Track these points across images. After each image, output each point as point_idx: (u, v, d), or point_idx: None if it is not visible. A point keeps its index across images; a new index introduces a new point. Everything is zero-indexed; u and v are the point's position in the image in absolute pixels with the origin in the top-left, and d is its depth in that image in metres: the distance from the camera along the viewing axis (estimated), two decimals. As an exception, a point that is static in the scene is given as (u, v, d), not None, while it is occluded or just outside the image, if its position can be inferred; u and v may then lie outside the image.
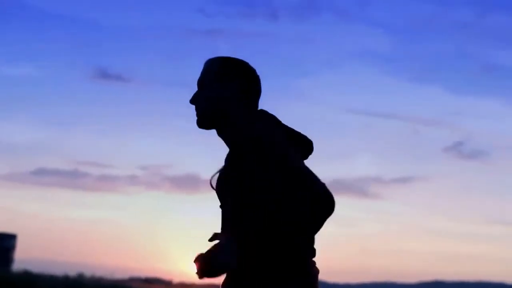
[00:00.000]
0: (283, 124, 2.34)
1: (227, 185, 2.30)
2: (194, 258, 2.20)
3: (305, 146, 2.34)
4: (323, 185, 2.17)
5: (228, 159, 2.36)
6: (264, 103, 2.47)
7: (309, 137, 2.36)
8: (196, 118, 2.42)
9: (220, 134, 2.41)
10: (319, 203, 2.14)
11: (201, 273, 2.19)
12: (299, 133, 2.35)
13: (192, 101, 2.43)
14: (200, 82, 2.43)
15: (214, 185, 2.40)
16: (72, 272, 22.40)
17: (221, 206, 2.37)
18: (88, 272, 22.78)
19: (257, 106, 2.42)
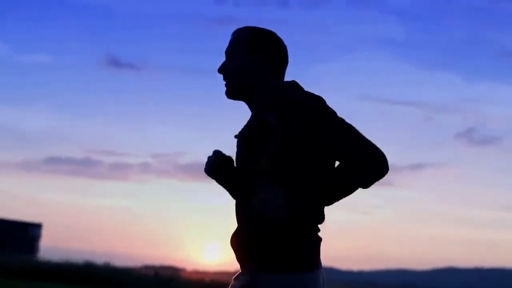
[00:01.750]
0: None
1: (252, 137, 2.27)
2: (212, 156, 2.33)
3: None
4: (379, 149, 2.21)
5: (254, 117, 2.33)
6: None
7: None
8: (224, 88, 2.38)
9: (250, 104, 2.38)
10: (377, 164, 2.19)
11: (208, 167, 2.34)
12: None
13: (220, 70, 2.38)
14: (229, 52, 2.39)
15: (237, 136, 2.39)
16: (86, 259, 22.32)
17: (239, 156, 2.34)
18: (99, 260, 22.57)
19: (283, 76, 2.39)
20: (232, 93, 2.37)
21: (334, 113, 2.23)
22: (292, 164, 2.19)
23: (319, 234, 2.27)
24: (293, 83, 2.33)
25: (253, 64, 2.33)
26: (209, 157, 2.35)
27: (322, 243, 2.26)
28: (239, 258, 2.30)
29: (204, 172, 2.37)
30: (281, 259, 2.18)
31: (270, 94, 2.30)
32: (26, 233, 32.94)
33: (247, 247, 2.24)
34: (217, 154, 2.33)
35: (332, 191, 2.23)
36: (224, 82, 2.38)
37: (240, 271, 2.31)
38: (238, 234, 2.29)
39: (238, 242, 2.29)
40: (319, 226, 2.28)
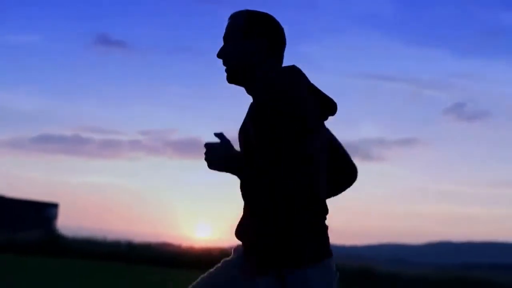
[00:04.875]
0: (310, 83, 2.27)
1: (248, 133, 2.23)
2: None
3: (328, 106, 2.29)
4: (347, 156, 2.31)
5: (250, 109, 2.28)
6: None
7: None
8: (225, 73, 2.32)
9: (249, 90, 2.31)
10: (343, 173, 2.31)
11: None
12: (324, 94, 2.28)
13: (219, 55, 2.33)
14: (226, 37, 2.33)
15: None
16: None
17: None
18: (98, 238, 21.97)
19: (282, 58, 2.33)
20: (232, 78, 2.31)
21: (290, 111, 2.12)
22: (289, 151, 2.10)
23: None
24: (290, 69, 2.25)
25: (250, 48, 2.28)
26: (211, 147, 2.19)
27: None
28: (250, 251, 2.25)
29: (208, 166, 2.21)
30: (304, 253, 2.14)
31: (264, 80, 2.22)
32: (42, 213, 33.31)
33: (263, 243, 2.18)
34: (227, 145, 2.19)
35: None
36: (224, 67, 2.33)
37: (244, 252, 2.27)
38: (250, 227, 2.23)
39: (251, 236, 2.23)
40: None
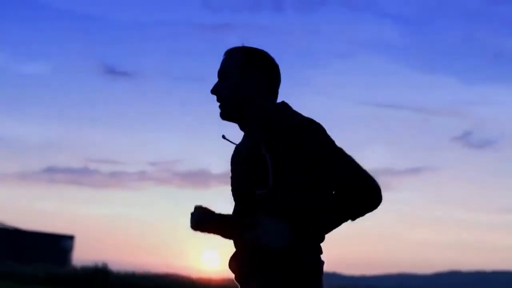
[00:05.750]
0: None
1: (259, 165, 2.17)
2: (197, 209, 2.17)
3: None
4: (374, 180, 2.14)
5: (255, 142, 2.22)
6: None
7: None
8: (219, 110, 2.28)
9: (244, 126, 2.28)
10: (370, 195, 2.11)
11: (195, 226, 2.17)
12: None
13: (213, 92, 2.26)
14: (221, 73, 2.27)
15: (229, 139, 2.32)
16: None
17: (237, 187, 2.28)
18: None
19: (277, 94, 2.29)
20: (226, 115, 2.26)
21: (326, 137, 2.15)
22: (289, 192, 2.12)
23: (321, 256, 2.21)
24: (283, 105, 2.25)
25: (246, 85, 2.23)
26: (192, 213, 2.19)
27: (324, 249, 2.22)
28: (239, 280, 2.24)
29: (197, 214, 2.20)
30: (287, 280, 2.12)
31: (262, 117, 2.22)
32: (58, 245, 33.06)
33: (250, 270, 2.18)
34: (201, 211, 2.18)
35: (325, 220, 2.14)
36: (218, 103, 2.27)
37: None
38: (239, 258, 2.23)
39: (239, 266, 2.23)
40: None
